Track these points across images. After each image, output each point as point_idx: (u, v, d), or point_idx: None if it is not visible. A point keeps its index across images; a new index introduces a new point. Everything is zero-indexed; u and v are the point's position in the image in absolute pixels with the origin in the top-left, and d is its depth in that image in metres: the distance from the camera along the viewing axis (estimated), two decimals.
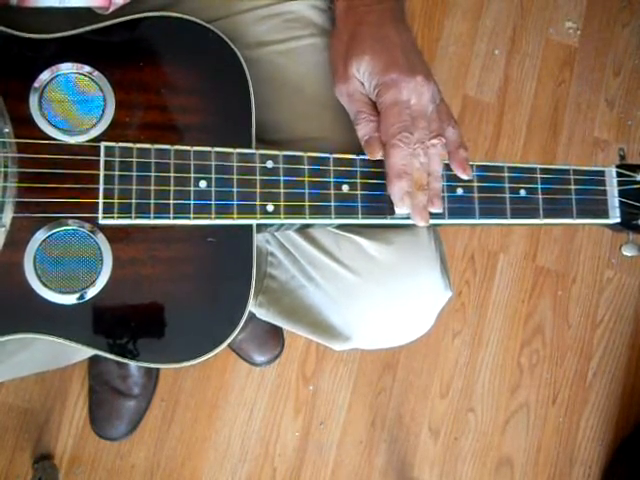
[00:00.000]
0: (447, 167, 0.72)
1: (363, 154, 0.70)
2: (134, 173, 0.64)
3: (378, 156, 0.69)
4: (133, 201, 0.64)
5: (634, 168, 0.77)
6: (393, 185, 0.67)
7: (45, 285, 0.63)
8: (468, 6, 1.76)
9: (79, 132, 0.65)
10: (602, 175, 0.76)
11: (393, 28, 0.72)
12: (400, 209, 0.68)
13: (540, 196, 0.74)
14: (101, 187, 0.64)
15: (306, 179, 0.68)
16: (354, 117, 0.71)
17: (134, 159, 0.65)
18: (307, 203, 0.68)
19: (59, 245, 0.63)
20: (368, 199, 0.69)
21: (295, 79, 0.78)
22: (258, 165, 0.67)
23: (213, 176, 0.66)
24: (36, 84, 0.64)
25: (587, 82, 1.78)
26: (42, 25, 0.67)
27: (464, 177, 0.72)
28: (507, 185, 0.73)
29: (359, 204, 0.69)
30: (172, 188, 0.65)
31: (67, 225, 0.63)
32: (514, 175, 0.73)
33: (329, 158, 0.69)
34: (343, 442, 1.53)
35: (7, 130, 0.63)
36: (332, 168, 0.69)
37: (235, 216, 0.66)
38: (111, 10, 0.70)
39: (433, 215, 0.71)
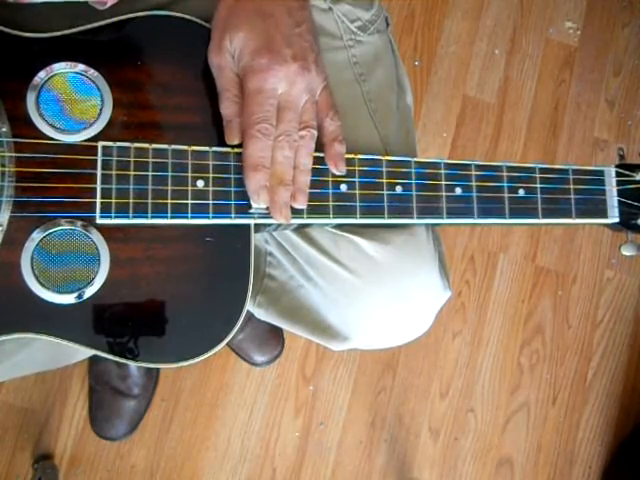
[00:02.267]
0: (447, 167, 0.72)
1: (363, 154, 0.70)
2: (131, 172, 0.64)
3: (236, 142, 0.66)
4: (131, 201, 0.64)
5: (633, 168, 0.77)
6: (248, 178, 0.64)
7: (42, 285, 0.63)
8: (468, 6, 1.76)
9: (76, 131, 0.65)
10: (601, 175, 0.76)
11: (283, 6, 0.67)
12: (256, 203, 0.66)
13: (539, 196, 0.74)
14: (98, 187, 0.64)
15: None
16: (220, 94, 0.67)
17: (132, 158, 0.64)
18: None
19: (56, 245, 0.63)
20: (367, 199, 0.69)
21: None
22: None
23: (211, 175, 0.66)
24: (33, 83, 0.64)
25: (587, 82, 1.78)
26: (40, 23, 0.66)
27: (336, 172, 0.69)
28: (506, 185, 0.73)
29: (357, 204, 0.69)
30: (170, 188, 0.65)
31: (64, 225, 0.63)
32: (513, 175, 0.73)
33: None
34: (343, 442, 1.53)
35: (4, 129, 0.63)
36: None
37: (233, 216, 0.66)
38: (109, 4, 0.69)
39: (435, 215, 0.70)
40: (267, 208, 0.66)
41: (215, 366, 1.50)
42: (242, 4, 0.67)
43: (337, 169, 0.68)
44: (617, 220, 0.77)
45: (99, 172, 0.64)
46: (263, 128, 0.64)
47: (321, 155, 0.68)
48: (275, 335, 1.51)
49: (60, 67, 0.65)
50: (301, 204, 0.67)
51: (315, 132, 0.67)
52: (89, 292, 0.64)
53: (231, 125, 0.66)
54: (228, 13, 0.67)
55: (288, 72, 0.65)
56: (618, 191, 0.76)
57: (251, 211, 0.67)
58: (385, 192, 0.70)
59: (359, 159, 0.70)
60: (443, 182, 0.71)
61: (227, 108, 0.66)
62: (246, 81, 0.65)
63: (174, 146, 0.65)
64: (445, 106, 1.70)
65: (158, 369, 1.46)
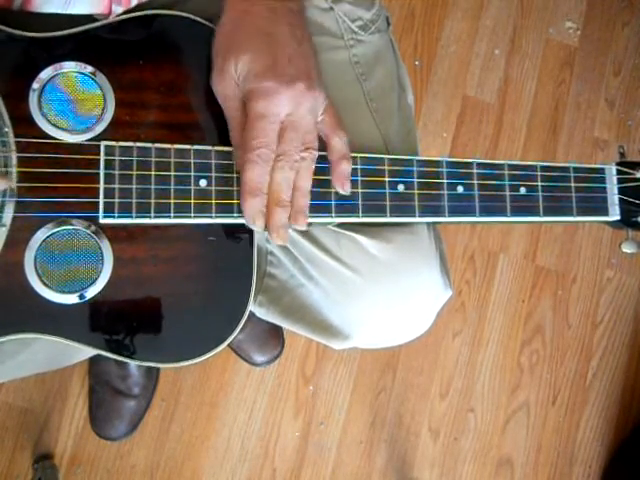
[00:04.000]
0: (448, 165, 0.72)
1: (364, 152, 0.70)
2: (134, 172, 0.64)
3: None
4: (134, 200, 0.64)
5: (634, 165, 0.77)
6: (245, 202, 0.64)
7: (46, 285, 0.63)
8: (468, 6, 1.76)
9: (79, 131, 0.65)
10: (602, 173, 0.77)
11: (285, 25, 0.66)
12: (252, 227, 0.65)
13: (540, 194, 0.74)
14: (101, 186, 0.64)
15: None
16: (227, 121, 0.67)
17: (134, 158, 0.64)
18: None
19: (60, 245, 0.63)
20: (368, 197, 0.69)
21: None
22: None
23: (213, 175, 0.66)
24: (35, 83, 0.64)
25: (587, 82, 1.78)
26: (41, 24, 0.66)
27: (341, 192, 0.68)
28: (507, 183, 0.73)
29: (359, 202, 0.69)
30: (172, 187, 0.65)
31: (67, 225, 0.63)
32: (514, 173, 0.73)
33: None
34: (343, 442, 1.53)
35: (7, 129, 0.63)
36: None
37: (236, 215, 0.66)
38: (112, 16, 0.70)
39: (437, 213, 0.70)
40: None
41: (215, 366, 1.50)
42: (242, 27, 0.66)
43: (343, 189, 0.68)
44: (618, 218, 0.77)
45: (102, 172, 0.64)
46: (263, 153, 0.63)
47: (321, 153, 0.68)
48: (275, 335, 1.51)
49: (67, 66, 0.65)
50: (301, 226, 0.66)
51: (316, 154, 0.66)
52: (92, 292, 0.64)
53: (239, 153, 0.66)
54: (228, 37, 0.66)
55: (294, 93, 0.63)
56: (619, 189, 0.77)
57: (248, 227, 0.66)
58: (387, 191, 0.70)
59: (361, 157, 0.70)
60: (445, 180, 0.71)
61: (235, 136, 0.66)
62: (250, 104, 0.64)
63: (177, 145, 0.65)
64: (445, 106, 1.70)
65: (158, 369, 1.46)
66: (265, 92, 0.63)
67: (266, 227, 0.65)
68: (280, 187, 0.64)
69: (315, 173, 0.67)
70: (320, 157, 0.68)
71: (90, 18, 0.69)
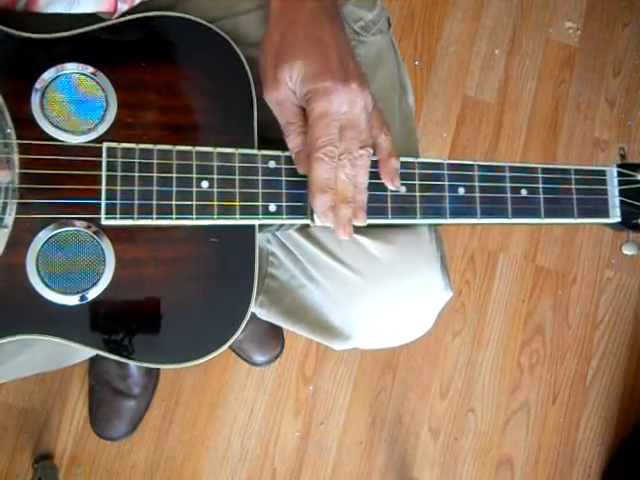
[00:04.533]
0: (449, 167, 0.72)
1: None
2: (136, 174, 0.64)
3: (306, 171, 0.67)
4: (135, 202, 0.64)
5: (635, 167, 0.77)
6: (316, 199, 0.65)
7: (47, 286, 0.63)
8: (468, 6, 1.76)
9: (81, 133, 0.65)
10: (603, 175, 0.77)
11: (328, 28, 0.68)
12: (322, 223, 0.67)
13: (541, 196, 0.74)
14: (103, 188, 0.64)
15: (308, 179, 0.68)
16: (283, 127, 0.68)
17: (136, 160, 0.65)
18: (309, 203, 0.68)
19: (61, 246, 0.63)
20: (370, 199, 0.69)
21: None
22: (260, 165, 0.68)
23: (215, 176, 0.66)
24: (38, 85, 0.64)
25: (587, 82, 1.78)
26: (45, 25, 0.66)
27: (391, 188, 0.69)
28: (508, 185, 0.73)
29: None
30: (174, 189, 0.65)
31: (69, 226, 0.63)
32: (515, 175, 0.73)
33: None
34: (343, 442, 1.53)
35: (9, 131, 0.63)
36: None
37: (237, 216, 0.66)
38: (116, 16, 0.70)
39: (438, 215, 0.70)
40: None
41: (215, 366, 1.50)
42: (290, 35, 0.67)
43: (393, 184, 0.69)
44: (619, 220, 0.77)
45: (104, 173, 0.64)
46: (329, 151, 0.64)
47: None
48: (275, 335, 1.51)
49: (69, 67, 0.65)
50: (362, 221, 0.67)
51: (372, 150, 0.67)
52: (94, 293, 0.64)
53: (299, 156, 0.67)
54: (278, 47, 0.67)
55: (350, 92, 0.65)
56: (620, 191, 0.77)
57: (313, 225, 0.68)
58: (388, 192, 0.70)
59: None
60: (446, 182, 0.71)
61: (294, 140, 0.67)
62: (311, 105, 0.65)
63: (178, 147, 0.66)
64: (445, 106, 1.70)
65: (158, 369, 1.46)
66: (324, 92, 0.64)
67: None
68: (345, 185, 0.66)
69: None
70: None
71: (94, 17, 0.69)
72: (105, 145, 0.64)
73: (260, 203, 0.67)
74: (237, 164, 0.67)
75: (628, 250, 0.77)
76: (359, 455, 1.53)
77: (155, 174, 0.65)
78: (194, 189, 0.65)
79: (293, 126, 0.67)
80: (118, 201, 0.64)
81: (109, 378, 1.39)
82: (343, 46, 0.68)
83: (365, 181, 0.67)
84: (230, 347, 1.47)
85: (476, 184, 0.72)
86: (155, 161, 0.65)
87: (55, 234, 0.63)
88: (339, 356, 1.54)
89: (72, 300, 0.63)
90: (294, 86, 0.66)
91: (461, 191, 0.72)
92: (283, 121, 0.68)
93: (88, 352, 0.66)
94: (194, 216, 0.65)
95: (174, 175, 0.65)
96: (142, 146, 0.65)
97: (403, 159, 0.71)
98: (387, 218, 0.70)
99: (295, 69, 0.65)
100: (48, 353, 0.84)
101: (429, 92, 1.70)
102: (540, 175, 0.74)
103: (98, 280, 0.64)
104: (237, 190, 0.66)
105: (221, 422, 1.48)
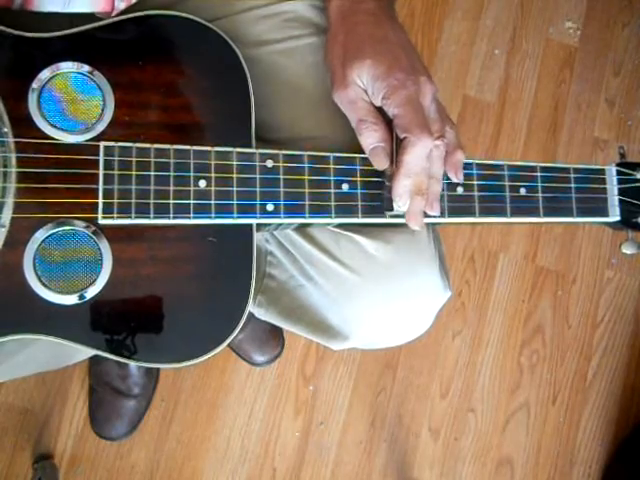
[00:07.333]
0: None
1: (363, 153, 0.70)
2: (133, 173, 0.64)
3: (386, 166, 0.67)
4: (133, 201, 0.64)
5: (634, 166, 0.77)
6: (399, 182, 0.66)
7: (45, 285, 0.63)
8: (468, 6, 1.76)
9: (78, 131, 0.64)
10: (602, 174, 0.76)
11: (389, 27, 0.70)
12: (398, 206, 0.67)
13: (540, 194, 0.74)
14: (100, 187, 0.63)
15: (306, 178, 0.68)
16: (356, 125, 0.69)
17: (133, 158, 0.64)
18: (307, 202, 0.68)
19: (59, 245, 0.63)
20: (368, 198, 0.69)
21: (295, 78, 0.78)
22: (258, 164, 0.67)
23: (213, 175, 0.66)
24: (35, 83, 0.64)
25: (587, 82, 1.78)
26: (41, 24, 0.66)
27: (455, 180, 0.70)
28: (507, 183, 0.73)
29: (359, 203, 0.69)
30: (172, 188, 0.65)
31: (67, 225, 0.63)
32: (514, 173, 0.73)
33: (329, 157, 0.69)
34: (343, 442, 1.53)
35: (6, 130, 0.63)
36: (332, 167, 0.69)
37: (235, 215, 0.66)
38: (113, 15, 0.70)
39: (437, 214, 0.70)
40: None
41: (215, 366, 1.50)
42: (353, 37, 0.69)
43: (457, 176, 0.70)
44: (618, 218, 0.77)
45: (101, 172, 0.64)
46: (424, 135, 0.64)
47: (321, 154, 0.68)
48: (275, 335, 1.51)
49: (64, 67, 0.65)
50: (436, 212, 0.69)
51: (446, 140, 0.68)
52: (91, 292, 0.64)
53: (377, 151, 0.67)
54: (344, 48, 0.69)
55: (420, 84, 0.67)
56: (619, 190, 0.76)
57: (388, 214, 0.69)
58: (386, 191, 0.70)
59: (361, 158, 0.70)
60: (444, 181, 0.71)
61: (369, 137, 0.67)
62: (389, 98, 0.66)
63: (176, 146, 0.65)
64: (445, 105, 1.70)
65: (158, 369, 1.46)
66: (398, 84, 0.65)
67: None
68: (420, 177, 0.66)
69: (314, 174, 0.67)
70: (318, 157, 0.68)
71: (91, 17, 0.69)
72: (102, 144, 0.64)
73: (258, 202, 0.67)
74: (235, 163, 0.66)
75: (628, 249, 0.77)
76: (359, 455, 1.53)
77: (152, 173, 0.65)
78: (191, 188, 0.65)
79: (366, 123, 0.68)
80: (115, 200, 0.63)
81: (109, 378, 1.40)
82: (406, 43, 0.70)
83: (441, 171, 0.68)
84: (230, 347, 1.48)
85: (474, 183, 0.72)
86: (152, 160, 0.65)
87: (52, 233, 0.63)
88: (339, 356, 1.54)
89: (70, 299, 0.63)
90: (365, 85, 0.68)
91: (459, 190, 0.72)
92: (355, 119, 0.69)
93: (88, 352, 0.66)
94: (191, 215, 0.65)
95: (171, 174, 0.65)
96: (139, 145, 0.65)
97: None
98: (385, 217, 0.70)
99: (364, 69, 0.67)
100: (47, 352, 0.84)
101: None
102: (539, 174, 0.74)
103: (96, 279, 0.64)
104: (234, 189, 0.66)
105: (221, 422, 1.48)
